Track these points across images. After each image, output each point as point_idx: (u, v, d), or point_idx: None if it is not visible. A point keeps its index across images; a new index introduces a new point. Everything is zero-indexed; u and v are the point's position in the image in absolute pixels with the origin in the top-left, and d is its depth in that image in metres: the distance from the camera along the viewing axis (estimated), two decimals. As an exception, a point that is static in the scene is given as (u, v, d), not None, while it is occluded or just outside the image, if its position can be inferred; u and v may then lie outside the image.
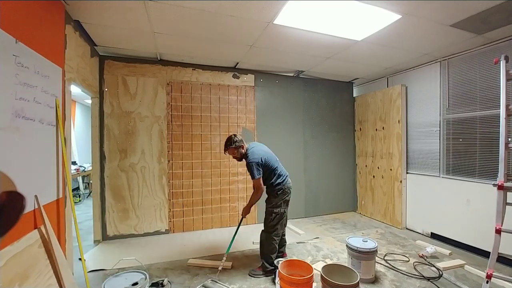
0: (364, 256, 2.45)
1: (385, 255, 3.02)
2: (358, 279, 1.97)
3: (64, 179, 2.19)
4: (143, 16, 2.46)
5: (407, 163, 4.07)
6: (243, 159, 2.68)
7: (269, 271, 2.57)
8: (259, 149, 2.66)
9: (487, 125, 3.08)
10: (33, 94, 1.73)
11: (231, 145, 2.59)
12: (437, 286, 2.39)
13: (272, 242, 2.58)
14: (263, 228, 2.67)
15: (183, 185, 3.86)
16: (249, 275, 2.59)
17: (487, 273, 2.05)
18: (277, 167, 2.66)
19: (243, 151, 2.64)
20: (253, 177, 2.53)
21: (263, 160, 2.56)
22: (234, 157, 2.70)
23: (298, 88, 4.57)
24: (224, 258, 2.63)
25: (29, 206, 1.67)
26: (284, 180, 2.66)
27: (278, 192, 2.61)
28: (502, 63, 2.18)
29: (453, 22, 2.57)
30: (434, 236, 3.63)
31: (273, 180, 2.63)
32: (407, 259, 2.93)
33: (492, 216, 2.16)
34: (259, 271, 2.60)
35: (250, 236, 3.49)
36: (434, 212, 3.65)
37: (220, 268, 2.57)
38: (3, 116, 1.45)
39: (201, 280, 2.49)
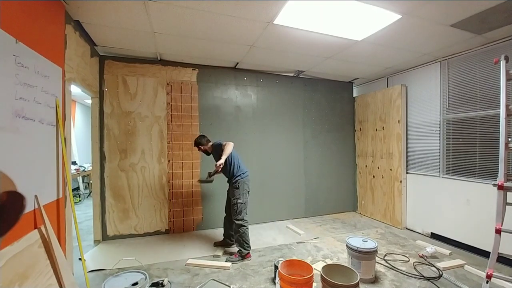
0: (364, 256, 2.45)
1: (385, 255, 3.02)
2: (358, 279, 1.98)
3: (64, 179, 2.19)
4: (143, 16, 2.47)
5: (407, 163, 4.07)
6: (210, 152, 3.18)
7: (246, 255, 2.92)
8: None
9: (487, 125, 3.08)
10: (33, 94, 1.73)
11: (205, 143, 3.15)
12: (437, 286, 2.39)
13: (244, 228, 2.93)
14: (234, 220, 2.96)
15: (183, 185, 3.86)
16: (226, 261, 2.87)
17: (487, 273, 2.05)
18: (238, 162, 3.08)
19: (210, 144, 3.17)
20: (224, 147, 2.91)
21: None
22: (203, 151, 3.20)
23: (298, 88, 4.57)
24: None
25: (29, 206, 1.67)
26: (243, 173, 3.04)
27: (239, 184, 2.96)
28: (502, 63, 2.18)
29: (453, 22, 2.57)
30: (434, 236, 3.63)
31: (234, 172, 3.00)
32: (407, 259, 2.93)
33: (492, 216, 2.16)
34: (236, 258, 2.91)
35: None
36: (434, 212, 3.65)
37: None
38: (3, 116, 1.45)
39: (201, 280, 2.50)
